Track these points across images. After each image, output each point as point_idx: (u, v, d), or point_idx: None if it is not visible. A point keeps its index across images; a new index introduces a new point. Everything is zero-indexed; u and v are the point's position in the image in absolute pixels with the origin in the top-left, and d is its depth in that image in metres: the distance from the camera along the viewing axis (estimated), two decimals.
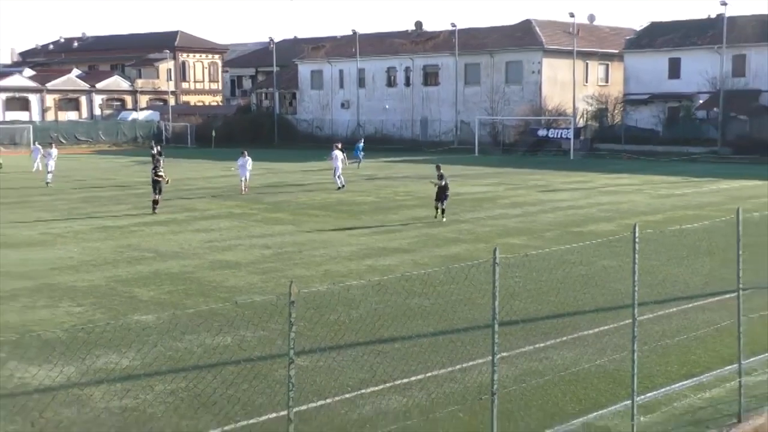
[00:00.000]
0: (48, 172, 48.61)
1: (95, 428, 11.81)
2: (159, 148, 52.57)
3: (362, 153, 61.61)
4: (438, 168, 33.87)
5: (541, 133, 76.00)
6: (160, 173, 35.53)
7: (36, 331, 16.90)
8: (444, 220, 32.25)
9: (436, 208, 32.89)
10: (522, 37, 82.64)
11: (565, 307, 18.12)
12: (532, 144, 74.78)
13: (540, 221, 32.47)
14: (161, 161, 41.06)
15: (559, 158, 67.06)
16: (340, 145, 47.98)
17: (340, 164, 45.43)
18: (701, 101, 74.06)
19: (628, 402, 10.62)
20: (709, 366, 13.74)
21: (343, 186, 44.58)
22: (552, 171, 55.94)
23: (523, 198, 40.88)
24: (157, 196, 35.24)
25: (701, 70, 73.32)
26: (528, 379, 13.10)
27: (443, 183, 32.72)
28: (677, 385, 13.21)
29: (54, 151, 51.18)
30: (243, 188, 43.04)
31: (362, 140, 67.17)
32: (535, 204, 38.48)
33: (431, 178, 34.50)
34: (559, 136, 73.76)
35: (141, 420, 12.12)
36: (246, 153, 43.37)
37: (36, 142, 52.57)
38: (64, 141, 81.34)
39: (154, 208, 34.97)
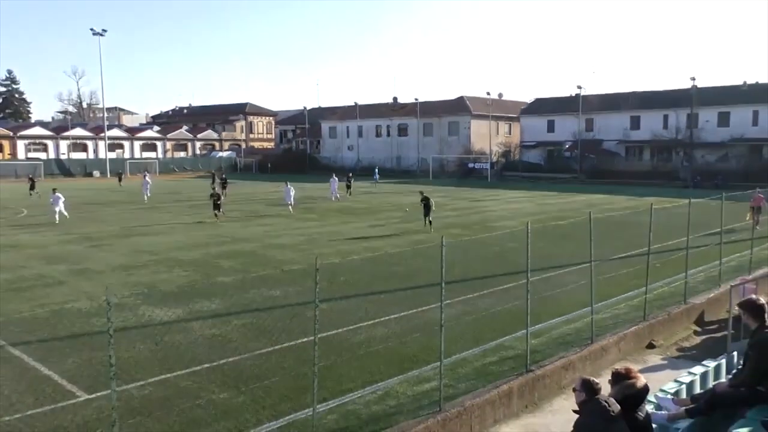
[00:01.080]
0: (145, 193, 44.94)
1: (195, 347, 11.72)
2: (224, 176, 49.85)
3: (377, 176, 63.51)
4: (421, 193, 29.69)
5: (471, 165, 76.29)
6: (216, 194, 33.76)
7: (159, 287, 16.79)
8: (431, 230, 26.83)
9: (425, 222, 28.07)
10: (458, 107, 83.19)
11: (486, 272, 18.13)
12: (464, 172, 74.83)
13: (470, 219, 32.46)
14: (221, 185, 43.96)
15: (482, 181, 67.06)
16: (334, 175, 46.81)
17: (336, 186, 44.42)
18: (567, 146, 74.56)
19: (524, 330, 10.63)
20: (574, 308, 13.77)
21: (337, 199, 43.18)
22: (477, 189, 55.95)
23: (459, 205, 40.86)
24: (216, 211, 32.03)
25: (567, 127, 74.14)
26: (462, 317, 13.10)
27: (426, 203, 28.27)
28: (553, 320, 13.25)
29: (148, 179, 46.75)
30: (291, 209, 35.37)
31: (377, 169, 67.66)
32: (466, 209, 38.47)
33: (413, 204, 30.88)
34: (481, 167, 73.98)
35: (223, 342, 12.04)
36: (288, 183, 36.88)
37: (145, 176, 46.98)
38: (176, 170, 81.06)
39: (216, 214, 31.96)
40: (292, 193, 35.19)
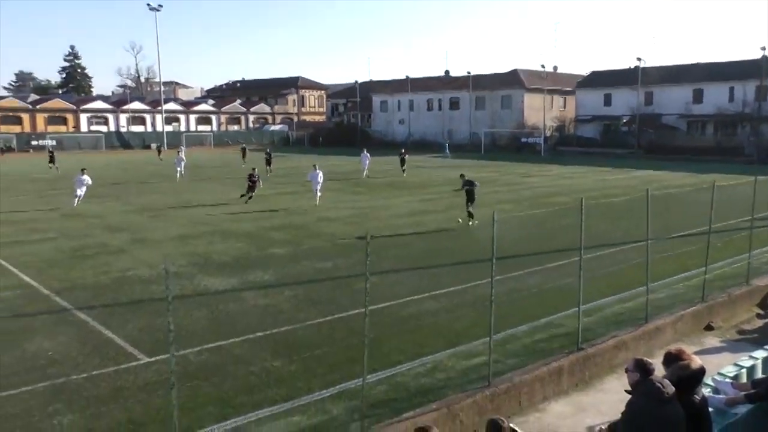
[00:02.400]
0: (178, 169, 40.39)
1: (248, 316, 12.03)
2: (269, 150, 48.23)
3: (448, 150, 63.27)
4: (462, 176, 23.47)
5: (523, 140, 75.01)
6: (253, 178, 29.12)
7: (214, 257, 17.24)
8: (475, 223, 21.70)
9: (467, 214, 22.09)
10: (511, 80, 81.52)
11: (537, 249, 17.91)
12: (517, 147, 73.61)
13: (521, 195, 32.00)
14: (265, 161, 43.58)
15: (534, 156, 65.81)
16: (365, 151, 43.55)
17: (367, 162, 41.55)
18: (624, 120, 72.25)
19: (576, 309, 10.47)
20: (628, 287, 13.48)
21: (368, 176, 40.45)
22: (529, 164, 54.95)
23: (511, 180, 40.30)
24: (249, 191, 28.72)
25: (624, 101, 71.72)
26: (512, 294, 13.02)
27: (469, 188, 22.29)
28: (606, 299, 13.01)
29: (183, 156, 43.00)
30: (317, 201, 27.59)
31: (447, 144, 67.07)
32: (518, 184, 37.91)
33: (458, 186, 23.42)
34: (534, 142, 72.62)
35: (275, 312, 12.32)
36: (317, 166, 28.78)
37: (180, 152, 46.97)
38: (230, 143, 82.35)
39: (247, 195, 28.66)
40: (320, 179, 27.35)
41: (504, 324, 11.06)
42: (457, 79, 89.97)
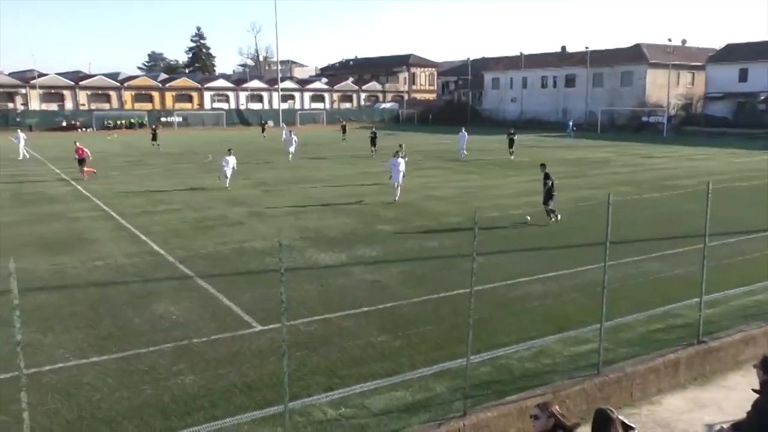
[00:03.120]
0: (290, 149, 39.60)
1: (355, 291, 12.30)
2: (374, 130, 44.79)
3: (572, 128, 61.02)
4: (543, 166, 19.74)
5: (644, 119, 70.99)
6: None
7: (324, 232, 17.75)
8: (552, 220, 18.66)
9: (547, 213, 18.76)
10: (633, 55, 76.98)
11: (656, 234, 16.99)
12: (637, 126, 69.81)
13: (641, 177, 30.32)
14: (370, 140, 42.55)
15: (656, 136, 62.05)
16: (463, 129, 41.05)
17: (464, 142, 38.99)
18: (762, 98, 66.27)
19: (697, 299, 9.82)
20: (759, 279, 12.48)
21: (464, 157, 38.47)
22: (651, 144, 51.92)
23: (629, 161, 38.29)
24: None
25: (763, 77, 65.76)
26: (627, 280, 12.44)
27: (547, 183, 18.97)
28: (733, 290, 12.11)
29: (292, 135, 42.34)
30: (396, 196, 23.03)
31: (571, 122, 65.01)
32: (638, 165, 35.95)
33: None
34: (656, 121, 68.50)
35: (381, 287, 12.51)
36: (400, 152, 24.78)
37: (283, 124, 54.07)
38: (342, 120, 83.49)
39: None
40: (402, 168, 22.77)
41: (617, 311, 10.61)
42: (573, 54, 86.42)
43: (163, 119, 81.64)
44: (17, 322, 5.12)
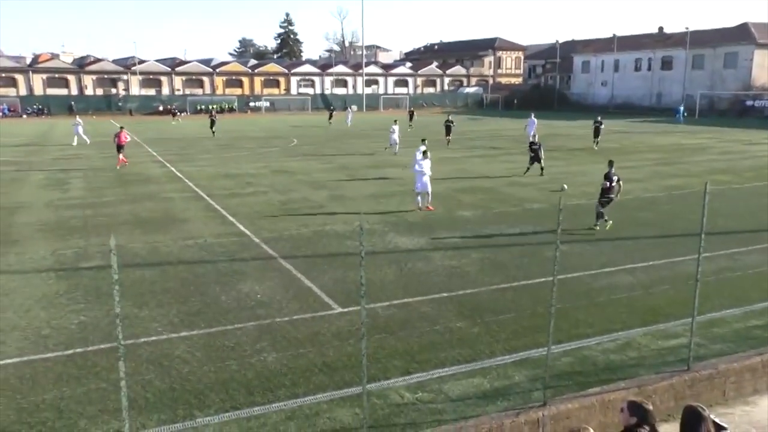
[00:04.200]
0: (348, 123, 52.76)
1: (434, 276, 12.28)
2: (450, 117, 40.40)
3: (683, 115, 57.78)
4: (610, 164, 16.52)
5: (748, 103, 66.45)
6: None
7: (404, 216, 17.75)
8: (598, 227, 15.66)
9: (598, 215, 15.75)
10: (739, 34, 71.95)
11: (757, 225, 15.93)
12: (739, 111, 65.51)
13: (742, 165, 28.48)
14: (446, 129, 37.65)
15: (761, 121, 58.01)
16: (532, 115, 38.21)
17: (533, 128, 34.95)
18: None
19: None
20: None
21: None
22: (755, 130, 48.63)
23: (729, 148, 36.03)
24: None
25: None
26: (723, 273, 11.76)
27: (609, 184, 15.77)
28: None
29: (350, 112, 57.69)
30: (420, 205, 18.39)
31: (681, 107, 61.72)
32: (738, 153, 33.78)
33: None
34: (762, 105, 63.97)
35: (460, 274, 12.42)
36: (425, 151, 19.22)
37: (350, 107, 56.97)
38: (425, 105, 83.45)
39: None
40: (428, 169, 21.49)
41: (711, 306, 10.07)
42: (671, 36, 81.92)
43: (251, 104, 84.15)
44: (117, 295, 5.44)
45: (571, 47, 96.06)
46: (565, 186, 18.26)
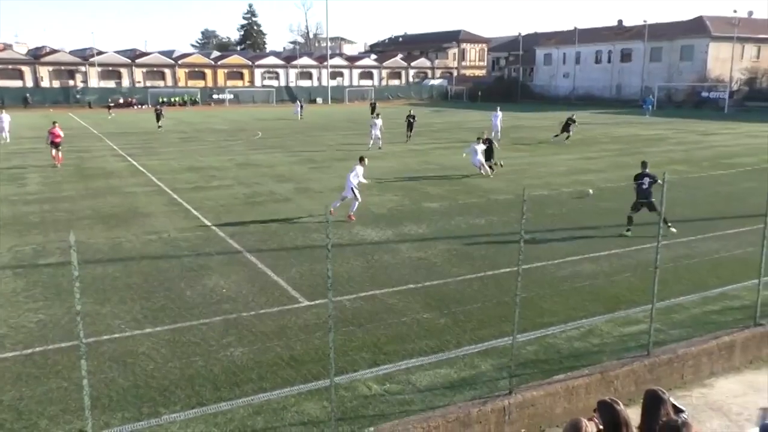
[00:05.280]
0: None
1: (402, 268, 12.32)
2: (411, 112, 37.62)
3: (650, 106, 57.51)
4: (644, 165, 14.78)
5: (704, 94, 68.18)
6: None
7: (371, 208, 17.76)
8: (629, 232, 14.46)
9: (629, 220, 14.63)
10: (695, 27, 73.71)
11: (713, 213, 16.41)
12: (695, 102, 67.19)
13: (698, 155, 29.23)
14: (407, 125, 35.78)
15: (716, 112, 59.62)
16: (498, 109, 37.53)
17: (497, 122, 35.23)
18: None
19: (756, 281, 9.45)
20: None
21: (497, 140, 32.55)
22: (710, 121, 49.95)
23: (686, 138, 36.94)
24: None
25: None
26: (681, 260, 12.07)
27: (643, 186, 14.42)
28: None
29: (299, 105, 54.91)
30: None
31: (651, 97, 61.76)
32: (694, 143, 34.66)
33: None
34: (716, 97, 65.68)
35: (427, 265, 12.48)
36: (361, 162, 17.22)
37: (299, 100, 55.25)
38: (390, 97, 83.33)
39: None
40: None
41: (670, 292, 10.34)
42: (630, 28, 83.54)
43: (214, 96, 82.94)
44: (77, 292, 5.32)
45: (533, 40, 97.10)
46: (591, 191, 17.69)
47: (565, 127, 35.06)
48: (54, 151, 26.67)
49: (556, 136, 35.29)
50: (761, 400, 8.01)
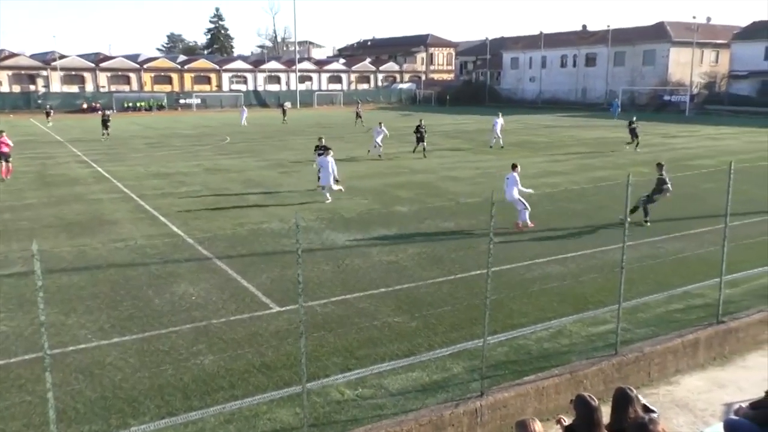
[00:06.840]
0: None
1: (372, 272, 12.30)
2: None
3: (618, 109, 57.34)
4: (660, 168, 16.34)
5: (666, 98, 69.79)
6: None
7: (341, 213, 17.74)
8: (648, 222, 15.67)
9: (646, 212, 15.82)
10: (656, 33, 75.51)
11: (676, 214, 16.75)
12: (658, 105, 68.71)
13: (660, 157, 29.73)
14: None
15: (678, 115, 61.01)
16: (500, 114, 36.46)
17: (499, 127, 34.60)
18: None
19: (718, 279, 9.68)
20: None
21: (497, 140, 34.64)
22: (671, 124, 51.09)
23: (650, 141, 37.66)
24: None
25: None
26: (646, 260, 12.30)
27: (663, 186, 15.95)
28: (754, 270, 11.93)
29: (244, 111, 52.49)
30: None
31: (617, 100, 61.59)
32: (657, 145, 35.40)
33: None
34: (678, 100, 67.31)
35: (398, 269, 12.49)
36: (326, 151, 20.23)
37: (243, 106, 52.78)
38: (360, 101, 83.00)
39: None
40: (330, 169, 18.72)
41: (636, 292, 10.52)
42: (594, 33, 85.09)
43: (181, 101, 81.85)
44: (41, 303, 5.18)
45: (500, 44, 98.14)
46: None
47: (633, 133, 33.08)
48: (3, 164, 24.42)
49: (629, 143, 33.34)
50: (725, 395, 8.20)
